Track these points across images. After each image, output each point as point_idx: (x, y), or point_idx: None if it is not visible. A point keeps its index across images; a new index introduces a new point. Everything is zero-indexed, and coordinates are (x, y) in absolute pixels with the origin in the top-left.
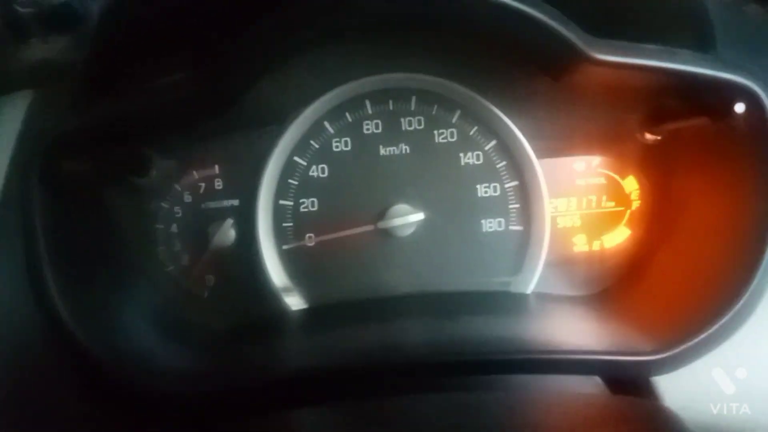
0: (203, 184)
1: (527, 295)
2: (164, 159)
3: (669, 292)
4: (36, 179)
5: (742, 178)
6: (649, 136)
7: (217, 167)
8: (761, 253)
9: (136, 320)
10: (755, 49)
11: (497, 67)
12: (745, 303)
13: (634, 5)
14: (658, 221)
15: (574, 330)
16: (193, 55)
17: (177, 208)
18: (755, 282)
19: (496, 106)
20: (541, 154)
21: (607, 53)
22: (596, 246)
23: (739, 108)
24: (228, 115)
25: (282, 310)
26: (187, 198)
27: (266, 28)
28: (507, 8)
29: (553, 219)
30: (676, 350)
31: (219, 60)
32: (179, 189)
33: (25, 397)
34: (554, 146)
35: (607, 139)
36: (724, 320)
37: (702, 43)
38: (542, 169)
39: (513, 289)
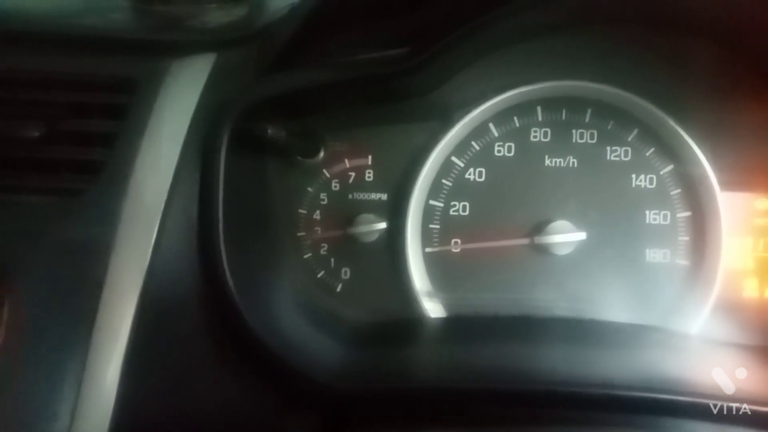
0: (353, 174)
1: (689, 336)
2: (335, 141)
3: None
4: (224, 143)
5: None
6: None
7: (370, 158)
8: None
9: (283, 302)
10: None
11: (689, 84)
12: None
13: None
14: None
15: (737, 379)
16: (412, 33)
17: (323, 195)
18: None
19: (682, 128)
20: (722, 187)
21: None
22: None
23: None
24: (406, 104)
25: (420, 316)
26: (335, 186)
27: (498, 14)
28: None
29: (727, 260)
30: None
31: (444, 42)
32: (328, 176)
33: (175, 351)
34: (738, 180)
35: None
36: None
37: None
38: (724, 202)
39: (673, 326)
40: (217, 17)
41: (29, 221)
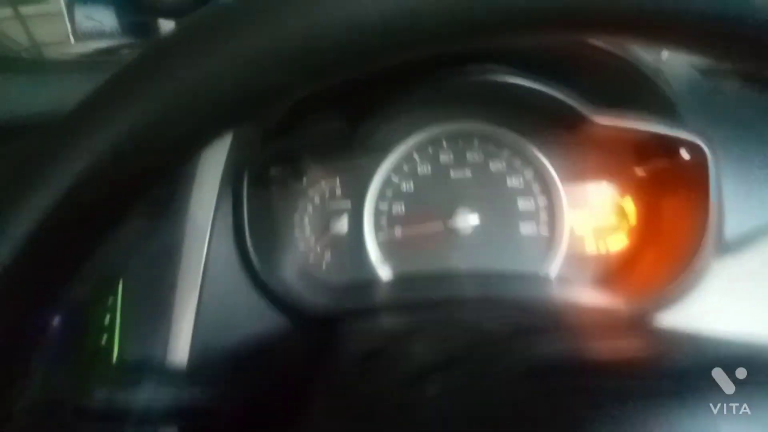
0: (327, 189)
1: (551, 278)
2: (314, 171)
3: (652, 271)
4: (245, 184)
5: (694, 197)
6: (639, 171)
7: (338, 179)
8: (703, 237)
9: (288, 273)
10: (716, 116)
11: (535, 120)
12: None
13: (622, 85)
14: (647, 229)
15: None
16: (346, 117)
17: (309, 205)
18: (701, 254)
19: (534, 146)
20: (564, 181)
21: (603, 118)
22: (602, 248)
23: (684, 154)
24: (352, 148)
25: (376, 278)
26: (316, 199)
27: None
28: (526, 89)
29: (572, 228)
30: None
31: (365, 123)
32: (310, 193)
33: (226, 305)
34: (575, 175)
35: (613, 171)
36: (685, 277)
37: (670, 111)
38: (564, 191)
39: (540, 273)
40: None
41: (126, 240)
